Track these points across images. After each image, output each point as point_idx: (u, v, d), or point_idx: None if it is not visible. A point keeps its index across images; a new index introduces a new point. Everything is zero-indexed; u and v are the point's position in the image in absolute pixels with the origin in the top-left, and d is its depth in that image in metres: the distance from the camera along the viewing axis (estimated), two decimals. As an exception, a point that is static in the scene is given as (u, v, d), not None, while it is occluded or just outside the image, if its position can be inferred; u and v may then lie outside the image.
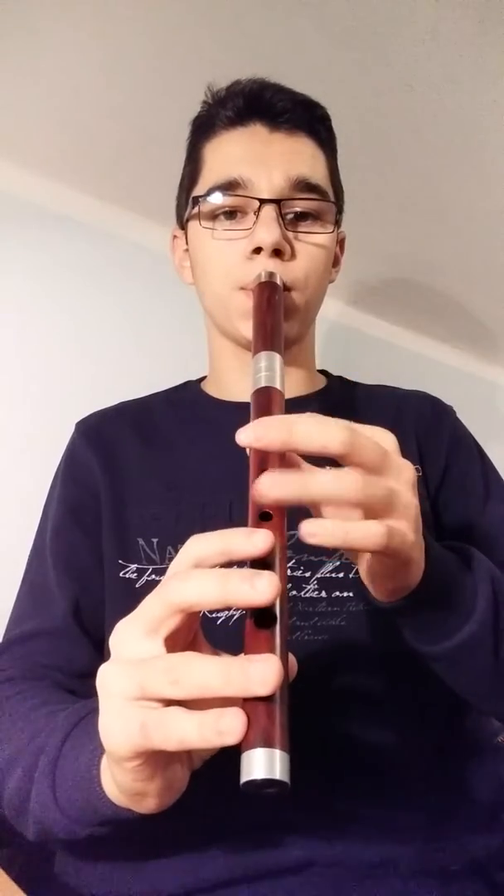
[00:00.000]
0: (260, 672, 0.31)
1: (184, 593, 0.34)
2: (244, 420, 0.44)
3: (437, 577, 0.46)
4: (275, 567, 0.35)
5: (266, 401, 0.45)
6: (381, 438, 0.41)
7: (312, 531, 0.37)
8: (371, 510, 0.40)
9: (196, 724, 0.31)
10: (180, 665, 0.33)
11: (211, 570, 0.34)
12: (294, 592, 0.61)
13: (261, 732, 0.30)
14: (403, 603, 0.46)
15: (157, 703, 0.33)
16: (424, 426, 0.74)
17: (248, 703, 0.32)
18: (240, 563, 0.35)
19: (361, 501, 0.38)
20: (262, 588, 0.32)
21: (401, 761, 0.58)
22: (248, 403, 0.47)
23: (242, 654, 0.34)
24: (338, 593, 0.61)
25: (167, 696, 0.33)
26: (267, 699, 0.31)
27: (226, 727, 0.30)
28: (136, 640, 0.35)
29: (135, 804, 0.39)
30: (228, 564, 0.34)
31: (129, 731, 0.33)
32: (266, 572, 0.33)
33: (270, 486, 0.36)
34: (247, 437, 0.38)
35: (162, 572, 0.63)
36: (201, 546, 0.35)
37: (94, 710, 0.46)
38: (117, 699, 0.34)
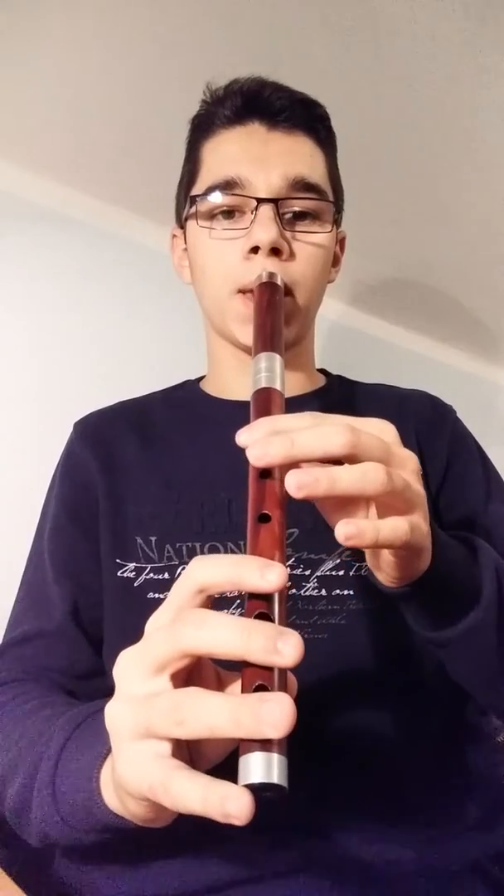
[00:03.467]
0: (272, 714, 0.30)
1: (199, 642, 0.32)
2: (243, 418, 0.43)
3: (443, 564, 0.46)
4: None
5: (266, 401, 0.45)
6: (382, 430, 0.41)
7: (351, 533, 0.36)
8: (392, 506, 0.39)
9: (200, 798, 0.30)
10: (185, 704, 0.32)
11: (230, 619, 0.32)
12: (293, 591, 0.60)
13: None
14: (410, 590, 0.46)
15: (167, 743, 0.33)
16: (425, 425, 0.74)
17: None
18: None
19: (389, 496, 0.37)
20: (288, 654, 0.31)
21: (400, 760, 0.58)
22: (247, 402, 0.47)
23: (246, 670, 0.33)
24: (338, 591, 0.60)
25: (173, 736, 0.32)
26: None
27: (233, 812, 0.29)
28: (141, 677, 0.34)
29: (137, 821, 0.39)
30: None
31: (139, 785, 0.33)
32: (294, 636, 0.31)
33: (299, 487, 0.35)
34: (249, 448, 0.37)
35: (160, 571, 0.63)
36: (209, 572, 0.34)
37: (94, 714, 0.47)
38: (126, 741, 0.34)
